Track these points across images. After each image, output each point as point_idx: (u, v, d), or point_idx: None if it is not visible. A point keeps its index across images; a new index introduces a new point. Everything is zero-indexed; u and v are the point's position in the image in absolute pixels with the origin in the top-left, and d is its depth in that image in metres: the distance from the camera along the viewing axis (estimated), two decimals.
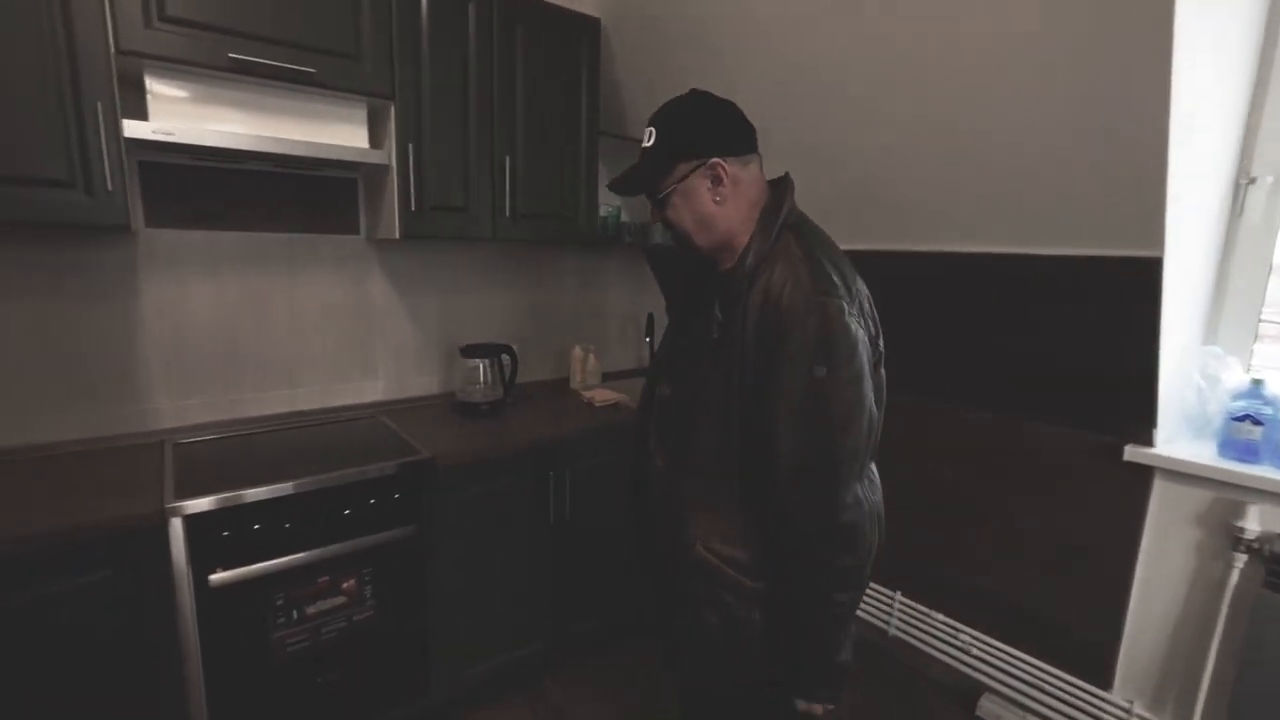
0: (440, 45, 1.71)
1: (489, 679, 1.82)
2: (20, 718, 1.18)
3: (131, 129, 1.32)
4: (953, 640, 2.00)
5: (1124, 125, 1.27)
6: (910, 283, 1.87)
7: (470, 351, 2.04)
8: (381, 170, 1.75)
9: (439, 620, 1.67)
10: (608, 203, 2.29)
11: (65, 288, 1.55)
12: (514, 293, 2.31)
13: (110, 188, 1.31)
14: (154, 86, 1.38)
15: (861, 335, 0.91)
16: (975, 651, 1.94)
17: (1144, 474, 1.58)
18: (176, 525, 1.28)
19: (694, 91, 1.01)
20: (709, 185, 0.97)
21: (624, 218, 2.43)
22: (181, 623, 1.31)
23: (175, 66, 1.38)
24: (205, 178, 1.69)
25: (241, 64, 1.41)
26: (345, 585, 1.52)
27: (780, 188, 1.03)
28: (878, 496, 1.04)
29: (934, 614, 2.06)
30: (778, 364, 0.90)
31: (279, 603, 1.43)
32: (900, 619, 2.15)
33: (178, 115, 1.42)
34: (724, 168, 0.95)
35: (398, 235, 1.71)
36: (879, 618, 2.21)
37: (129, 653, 1.27)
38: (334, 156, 1.58)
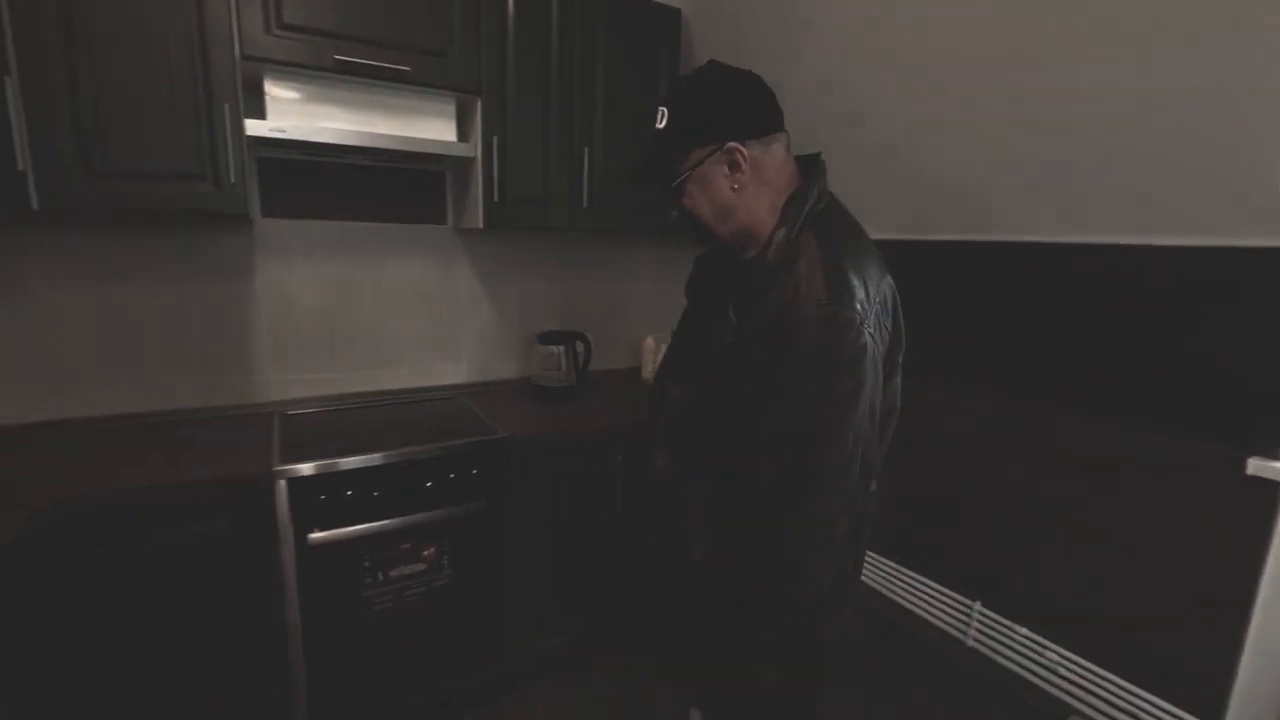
0: (524, 41, 1.77)
1: (557, 655, 1.89)
2: (149, 641, 1.34)
3: (252, 128, 1.46)
4: (1038, 658, 1.88)
5: None
6: (996, 278, 1.76)
7: (547, 338, 2.11)
8: (467, 163, 1.83)
9: (513, 593, 1.75)
10: None
11: (195, 271, 1.73)
12: (590, 282, 2.37)
13: (233, 180, 1.45)
14: (271, 88, 1.52)
15: (871, 348, 0.84)
16: (1064, 672, 1.81)
17: (1271, 490, 1.42)
18: (282, 486, 1.41)
19: (711, 63, 0.93)
20: (726, 171, 0.89)
21: None
22: (284, 574, 1.45)
23: (289, 69, 1.51)
24: (311, 172, 1.84)
25: (345, 65, 1.52)
26: (425, 552, 1.62)
27: (811, 170, 0.94)
28: (868, 511, 1.00)
29: (1017, 628, 1.94)
30: (775, 369, 0.85)
31: (366, 564, 1.55)
32: (979, 630, 2.04)
33: (290, 114, 1.55)
34: (741, 152, 0.88)
35: (481, 225, 1.80)
36: (955, 626, 2.11)
37: (239, 596, 1.41)
38: (425, 150, 1.68)
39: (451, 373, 2.16)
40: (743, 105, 0.90)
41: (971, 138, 1.72)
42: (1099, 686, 1.73)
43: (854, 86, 1.92)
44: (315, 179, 1.85)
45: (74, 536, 1.23)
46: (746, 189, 0.90)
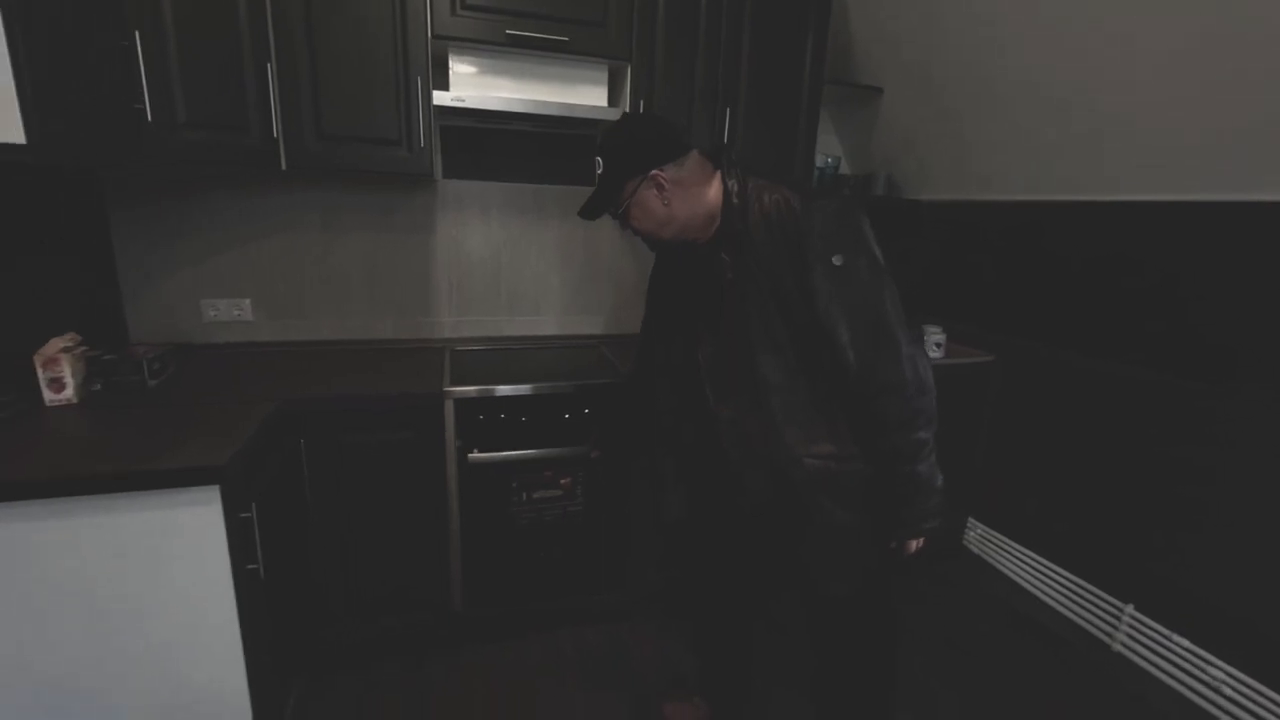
0: (675, 8, 1.85)
1: (667, 589, 2.04)
2: (345, 520, 1.68)
3: (438, 98, 1.70)
4: (1198, 673, 1.69)
5: None
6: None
7: None
8: None
9: (639, 529, 1.92)
10: (826, 153, 2.25)
11: (390, 224, 2.06)
12: None
13: (423, 145, 1.71)
14: (455, 63, 1.75)
15: (870, 232, 1.06)
16: (1228, 692, 1.62)
17: None
18: (449, 406, 1.68)
19: (624, 116, 1.31)
20: (655, 193, 1.11)
21: (843, 169, 2.37)
22: (448, 483, 1.73)
23: (469, 45, 1.72)
24: (484, 138, 2.08)
25: (515, 39, 1.71)
26: (563, 481, 1.84)
27: (723, 155, 1.16)
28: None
29: (1175, 637, 1.75)
30: (802, 271, 1.04)
31: (514, 485, 1.79)
32: (1128, 635, 1.87)
33: (468, 85, 1.78)
34: (662, 176, 1.09)
35: None
36: (1101, 629, 1.94)
37: (413, 496, 1.72)
38: (579, 115, 1.83)
39: (591, 324, 2.36)
40: (653, 141, 1.12)
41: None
42: (1273, 714, 1.53)
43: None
44: (487, 145, 2.10)
45: (300, 428, 1.58)
46: (674, 200, 1.12)
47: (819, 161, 2.20)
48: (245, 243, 1.95)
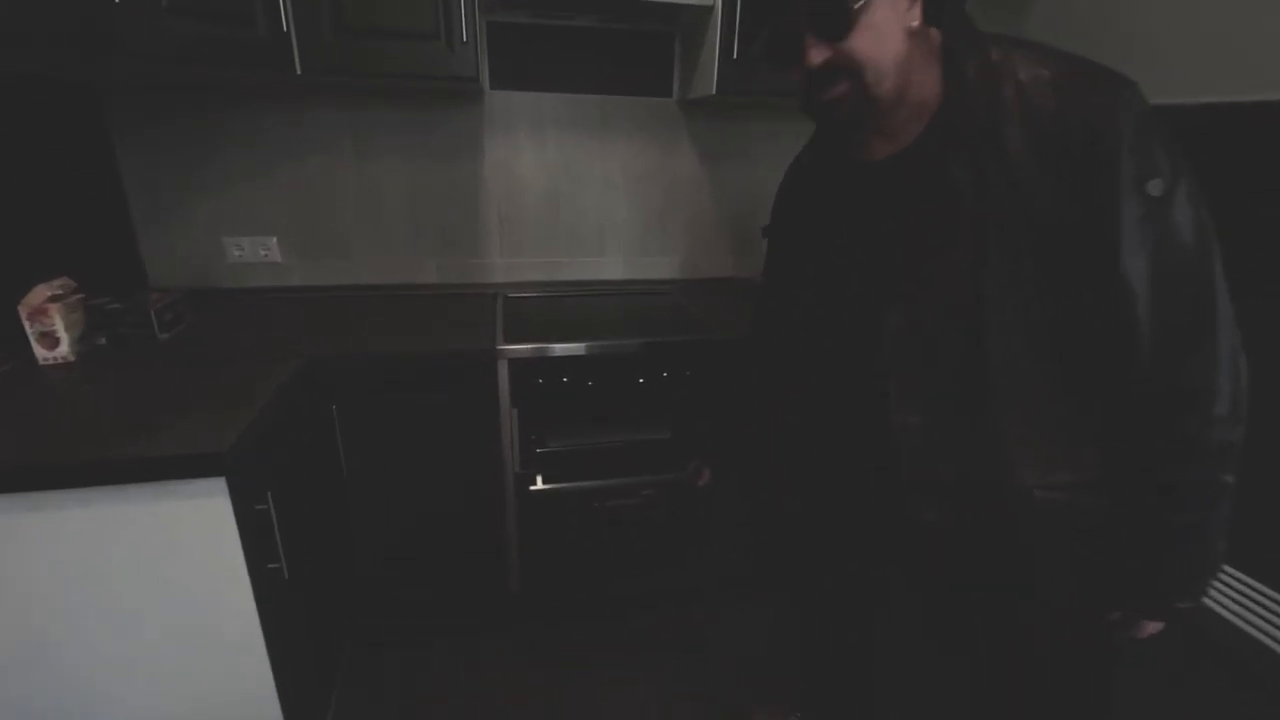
0: None
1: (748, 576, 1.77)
2: (390, 505, 1.46)
3: None
4: None
5: None
6: None
7: (770, 231, 1.85)
8: (703, 17, 1.56)
9: (719, 511, 1.64)
10: None
11: (430, 147, 1.74)
12: None
13: (465, 39, 1.36)
14: None
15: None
16: None
17: None
18: (503, 367, 1.40)
19: None
20: (892, 11, 0.67)
21: None
22: (505, 464, 1.47)
23: None
24: (539, 37, 1.71)
25: None
26: (644, 492, 1.56)
27: (944, 9, 0.71)
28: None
29: None
30: (1100, 195, 0.64)
31: (583, 503, 1.55)
32: None
33: None
34: None
35: (714, 90, 1.54)
36: None
37: (466, 472, 1.47)
38: None
39: (665, 266, 2.02)
40: None
41: None
42: None
43: None
44: (542, 47, 1.72)
45: (332, 391, 1.34)
46: (915, 35, 0.69)
47: None
48: (270, 170, 1.68)
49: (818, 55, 0.67)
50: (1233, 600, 1.56)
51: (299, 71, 1.31)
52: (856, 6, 0.64)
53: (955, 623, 0.97)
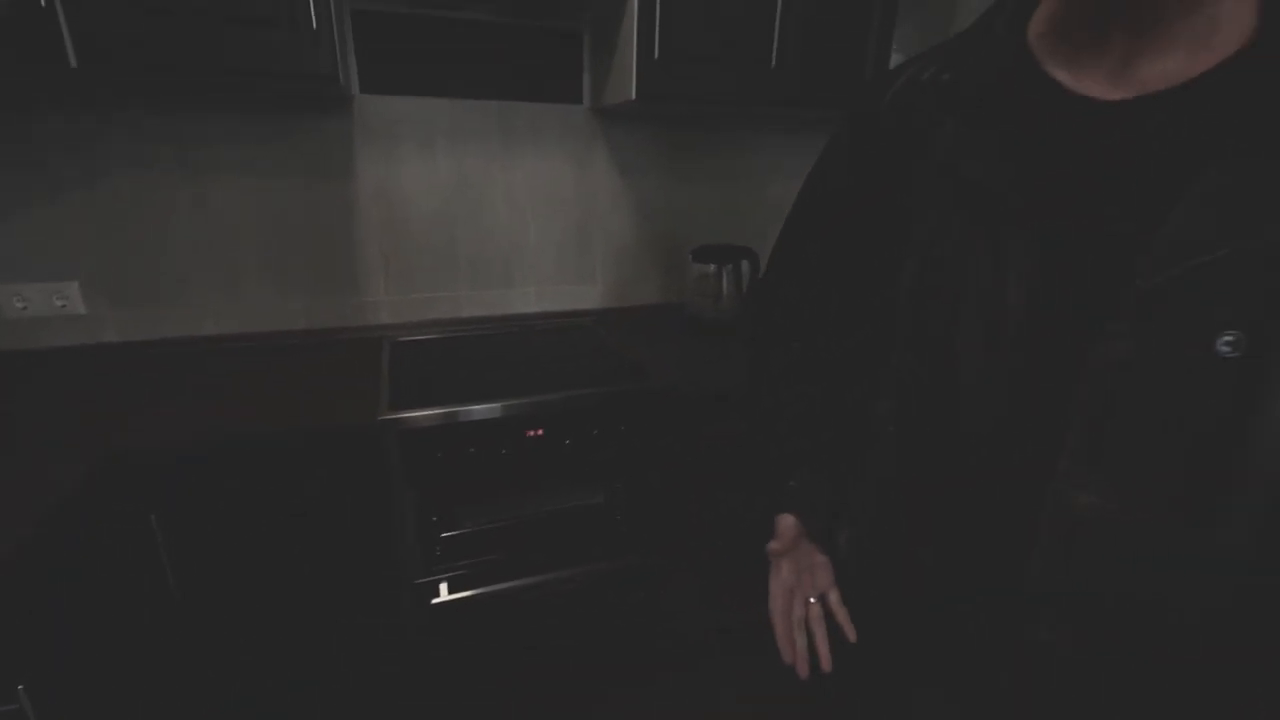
0: None
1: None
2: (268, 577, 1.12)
3: None
4: None
5: None
6: None
7: (703, 255, 1.65)
8: (615, 10, 1.34)
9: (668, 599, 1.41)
10: (902, 51, 1.66)
11: (288, 165, 1.40)
12: (761, 182, 1.84)
13: (315, 25, 1.05)
14: None
15: None
16: None
17: None
18: (394, 441, 1.10)
19: None
20: None
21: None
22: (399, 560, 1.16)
23: None
24: (421, 31, 1.42)
25: None
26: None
27: None
28: None
29: None
30: None
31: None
32: None
33: None
34: None
35: (634, 95, 1.31)
36: None
37: (356, 564, 1.15)
38: None
39: (585, 296, 1.77)
40: None
41: None
42: None
43: None
44: (425, 43, 1.43)
45: (148, 494, 0.98)
46: None
47: (894, 64, 1.61)
48: (59, 194, 1.27)
49: None
50: None
51: (73, 64, 0.96)
52: None
53: None
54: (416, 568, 1.16)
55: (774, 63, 1.38)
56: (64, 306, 1.33)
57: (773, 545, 0.72)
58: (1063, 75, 0.50)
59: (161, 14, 0.98)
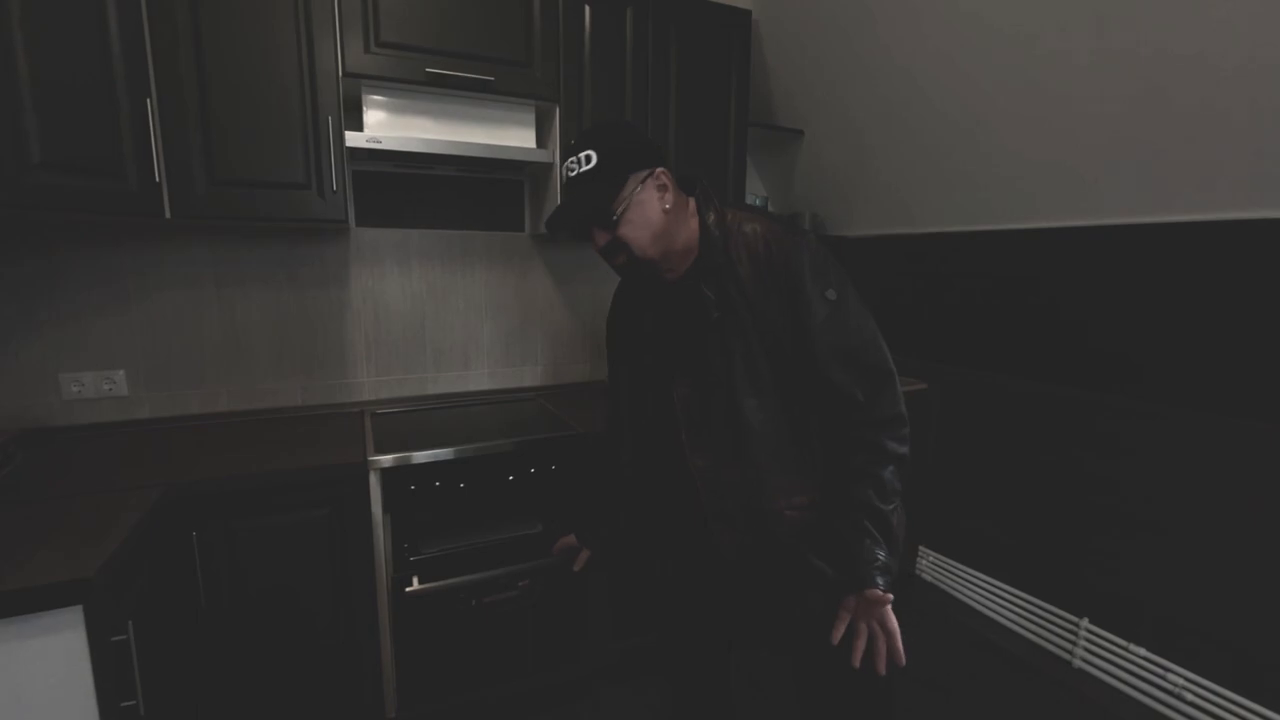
0: (600, 48, 1.82)
1: (628, 658, 1.87)
2: (254, 634, 1.42)
3: (351, 139, 1.55)
4: (1158, 681, 1.71)
5: None
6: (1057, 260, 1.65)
7: None
8: (545, 169, 1.89)
9: (594, 597, 1.75)
10: (754, 194, 2.28)
11: (297, 278, 1.85)
12: None
13: (335, 189, 1.55)
14: (369, 102, 1.62)
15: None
16: (1190, 697, 1.65)
17: None
18: (374, 478, 1.48)
19: (600, 123, 1.18)
20: (658, 194, 0.98)
21: (770, 208, 2.40)
22: (379, 573, 1.50)
23: (385, 84, 1.60)
24: (403, 185, 1.94)
25: (435, 77, 1.61)
26: (521, 583, 1.64)
27: (697, 184, 1.07)
28: None
29: (1132, 647, 1.78)
30: (798, 304, 0.97)
31: (460, 599, 1.58)
32: (1086, 650, 1.88)
33: (385, 127, 1.65)
34: (666, 175, 0.99)
35: None
36: (1061, 647, 1.95)
37: (337, 590, 1.48)
38: (506, 157, 1.74)
39: (528, 375, 2.21)
40: (648, 140, 1.03)
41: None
42: (1235, 715, 1.56)
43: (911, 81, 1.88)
44: (405, 192, 1.95)
45: (190, 517, 1.32)
46: (673, 210, 0.99)
47: (748, 200, 2.21)
48: (121, 304, 1.68)
49: (601, 239, 0.99)
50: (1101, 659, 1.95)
51: (168, 216, 1.41)
52: (617, 213, 0.96)
53: (773, 629, 1.19)
54: (391, 568, 1.50)
55: None
56: (110, 389, 1.69)
57: (555, 547, 1.40)
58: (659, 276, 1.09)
59: (229, 185, 1.46)
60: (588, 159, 0.97)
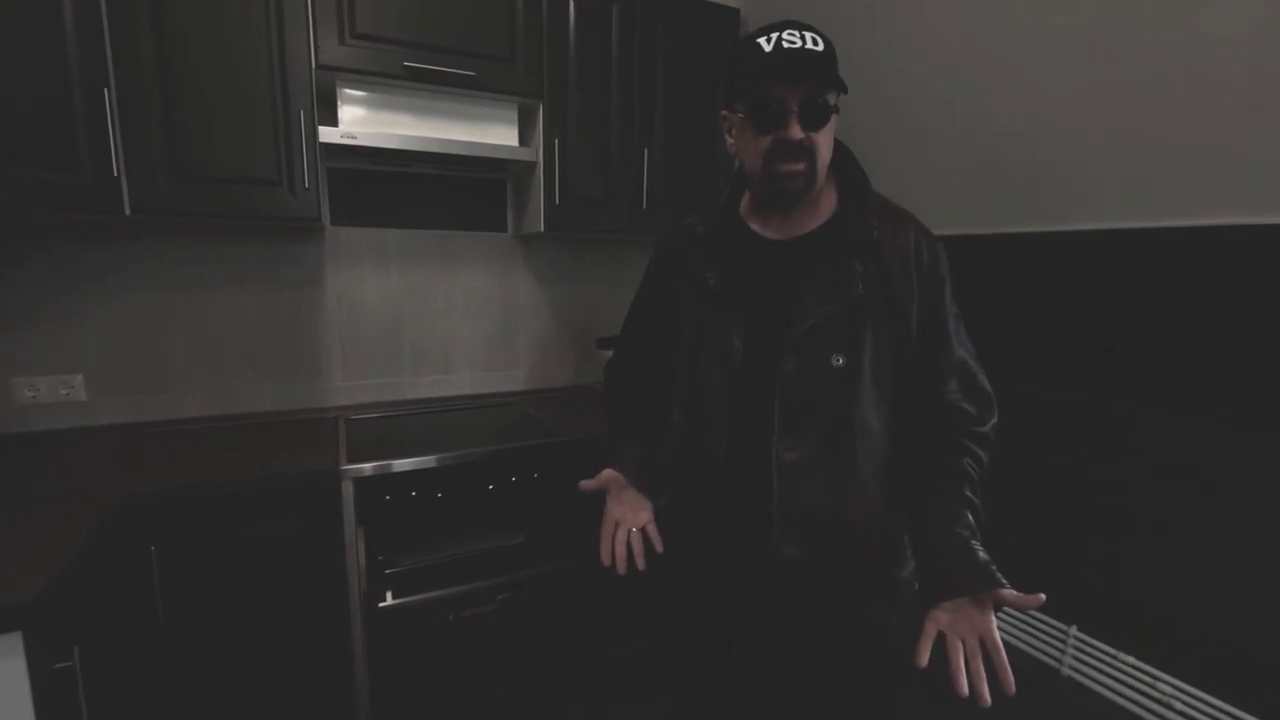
0: (586, 45, 1.77)
1: (635, 662, 1.82)
2: (225, 627, 1.35)
3: (325, 134, 1.49)
4: (1148, 689, 1.70)
5: None
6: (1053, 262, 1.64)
7: (605, 343, 2.08)
8: (528, 168, 1.84)
9: (602, 601, 1.70)
10: None
11: (271, 278, 1.78)
12: None
13: (308, 185, 1.49)
14: (344, 96, 1.56)
15: None
16: (1179, 705, 1.63)
17: None
18: (348, 487, 1.41)
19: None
20: (834, 120, 0.89)
21: None
22: (350, 586, 1.44)
23: (361, 77, 1.54)
24: (379, 182, 1.88)
25: (414, 71, 1.55)
26: (500, 596, 1.58)
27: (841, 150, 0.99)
28: None
29: (1121, 656, 1.76)
30: (935, 310, 0.93)
31: (438, 614, 1.51)
32: (1075, 658, 1.86)
33: (360, 122, 1.59)
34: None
35: (542, 229, 1.79)
36: (1050, 655, 1.93)
37: (307, 609, 1.41)
38: (488, 155, 1.69)
39: (511, 380, 2.15)
40: None
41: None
42: None
43: (909, 79, 1.85)
44: (383, 190, 1.89)
45: (149, 530, 1.25)
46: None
47: None
48: (81, 305, 1.60)
49: (798, 133, 0.85)
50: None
51: (128, 213, 1.34)
52: (832, 107, 0.87)
53: (783, 655, 1.12)
54: (363, 583, 1.44)
55: (644, 205, 1.91)
56: (67, 394, 1.61)
57: (584, 483, 1.08)
58: (756, 227, 1.00)
59: (195, 180, 1.39)
60: (814, 40, 0.85)
